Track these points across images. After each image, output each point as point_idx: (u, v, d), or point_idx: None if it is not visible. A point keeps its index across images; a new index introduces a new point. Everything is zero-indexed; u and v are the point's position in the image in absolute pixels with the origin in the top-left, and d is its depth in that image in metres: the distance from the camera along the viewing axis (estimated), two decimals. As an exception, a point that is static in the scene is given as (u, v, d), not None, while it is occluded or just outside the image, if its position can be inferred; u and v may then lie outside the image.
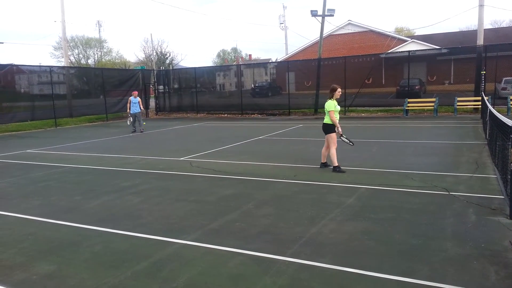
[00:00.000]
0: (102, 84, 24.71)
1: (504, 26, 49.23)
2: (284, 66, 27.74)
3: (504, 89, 20.33)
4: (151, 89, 29.16)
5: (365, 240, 4.49)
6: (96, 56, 64.24)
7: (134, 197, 6.66)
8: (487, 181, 6.76)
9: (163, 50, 64.16)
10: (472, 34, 20.90)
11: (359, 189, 6.57)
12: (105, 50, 65.15)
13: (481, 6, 19.29)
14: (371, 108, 22.09)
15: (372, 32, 33.95)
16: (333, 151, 7.94)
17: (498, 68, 19.15)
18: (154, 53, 60.98)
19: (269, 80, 30.43)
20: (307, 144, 11.96)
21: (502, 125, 6.29)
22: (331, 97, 8.04)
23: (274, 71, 30.62)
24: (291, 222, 5.15)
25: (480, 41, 19.27)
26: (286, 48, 47.77)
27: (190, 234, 4.83)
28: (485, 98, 14.80)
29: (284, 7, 56.32)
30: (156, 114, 27.71)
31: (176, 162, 9.72)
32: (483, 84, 18.56)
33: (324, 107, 8.17)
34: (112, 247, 4.57)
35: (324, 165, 8.25)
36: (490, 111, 9.48)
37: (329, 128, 8.03)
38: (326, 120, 8.07)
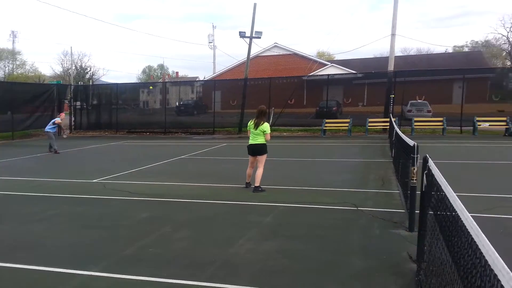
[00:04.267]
0: (10, 99, 22.59)
1: (412, 54, 54.70)
2: (211, 84, 27.88)
3: (409, 111, 22.45)
4: (66, 105, 27.28)
5: (280, 258, 4.58)
6: (7, 68, 58.82)
7: (38, 224, 6.10)
8: (391, 197, 7.34)
9: (83, 64, 60.91)
10: (385, 60, 22.96)
11: (277, 207, 6.73)
12: (18, 63, 60.01)
13: (393, 35, 21.31)
14: (293, 128, 22.97)
15: (296, 55, 35.59)
16: (261, 172, 8.04)
17: (405, 92, 21.15)
18: (73, 67, 57.61)
19: (195, 98, 30.30)
20: (229, 164, 12.02)
21: (405, 145, 6.91)
22: (263, 119, 8.07)
23: (201, 90, 30.61)
24: (209, 244, 5.09)
25: (391, 67, 21.20)
26: (214, 67, 48.08)
27: (98, 264, 4.51)
28: (393, 119, 16.19)
29: (213, 27, 56.64)
30: (71, 132, 25.95)
31: (88, 184, 9.13)
32: (391, 106, 20.32)
33: (250, 127, 8.17)
34: (3, 285, 4.09)
35: (249, 184, 8.27)
36: (396, 131, 10.37)
37: (264, 149, 8.10)
38: (260, 141, 8.06)
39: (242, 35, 23.76)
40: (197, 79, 53.76)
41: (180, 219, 6.19)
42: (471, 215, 5.75)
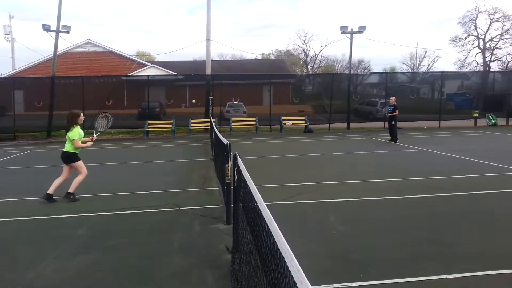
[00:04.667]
0: None
1: (228, 59, 58.60)
2: (10, 83, 23.72)
3: (228, 112, 24.03)
4: None
5: (94, 273, 4.22)
6: None
7: None
8: (212, 194, 7.68)
9: None
10: (203, 63, 23.85)
11: (92, 217, 6.20)
12: None
13: (208, 40, 22.26)
14: (113, 130, 21.65)
15: (112, 53, 33.59)
16: (81, 179, 7.22)
17: (222, 94, 22.47)
18: None
19: (-11, 99, 25.32)
20: (34, 174, 10.49)
21: (221, 144, 7.31)
22: (73, 124, 7.25)
23: (-4, 88, 25.76)
24: (3, 271, 4.30)
25: (208, 70, 22.17)
26: (13, 63, 41.05)
27: None
28: (212, 120, 17.02)
29: (10, 16, 47.03)
30: None
31: None
32: (211, 107, 21.34)
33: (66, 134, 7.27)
34: None
35: (50, 196, 7.25)
36: (215, 131, 10.92)
37: (72, 158, 7.24)
38: (68, 148, 7.21)
39: (46, 28, 21.06)
40: (-9, 76, 44.97)
41: (-35, 246, 5.05)
42: (277, 203, 6.48)
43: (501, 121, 22.86)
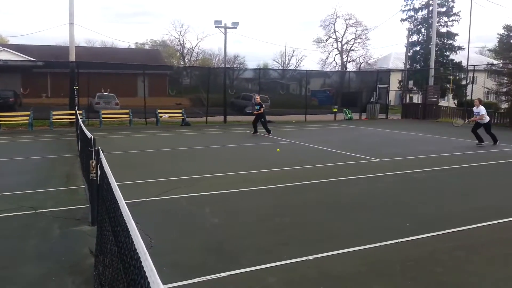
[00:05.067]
0: None
1: (97, 46, 54.13)
2: None
3: (98, 103, 22.27)
4: None
5: None
6: None
7: None
8: (76, 193, 7.02)
9: None
10: (67, 49, 21.50)
11: None
12: None
13: (71, 24, 20.18)
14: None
15: None
16: None
17: (90, 84, 20.69)
18: None
19: None
20: None
21: (86, 138, 6.70)
22: None
23: None
24: None
25: (72, 57, 20.13)
26: None
27: None
28: (78, 112, 15.56)
29: None
30: None
31: None
32: (76, 98, 19.48)
33: None
34: None
35: None
36: (80, 125, 9.99)
37: None
38: None
39: None
40: None
41: None
42: (152, 199, 6.25)
43: (355, 115, 26.04)
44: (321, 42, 50.49)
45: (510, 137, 15.32)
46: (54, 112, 19.02)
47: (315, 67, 55.68)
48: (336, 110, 25.39)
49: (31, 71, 24.18)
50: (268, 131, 16.19)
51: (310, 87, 28.24)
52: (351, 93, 28.40)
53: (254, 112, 16.94)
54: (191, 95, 26.34)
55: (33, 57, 25.30)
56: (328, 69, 47.53)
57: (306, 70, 28.60)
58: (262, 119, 16.44)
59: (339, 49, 50.10)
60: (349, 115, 25.59)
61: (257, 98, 17.17)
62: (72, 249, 4.51)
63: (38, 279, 3.79)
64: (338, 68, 48.55)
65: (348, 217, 5.78)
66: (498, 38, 34.04)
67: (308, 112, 24.99)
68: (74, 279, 3.76)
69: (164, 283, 1.29)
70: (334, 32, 49.45)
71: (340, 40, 49.68)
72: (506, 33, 32.46)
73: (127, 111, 20.76)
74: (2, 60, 21.86)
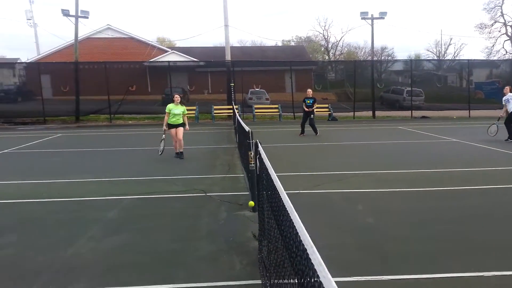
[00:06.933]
0: None
1: (248, 45, 58.19)
2: (35, 67, 24.36)
3: (250, 99, 24.01)
4: None
5: (126, 253, 4.36)
6: None
7: None
8: (237, 180, 7.74)
9: None
10: (223, 50, 23.76)
11: (123, 200, 6.36)
12: None
13: (226, 26, 22.14)
14: (138, 116, 22.03)
15: (133, 39, 33.84)
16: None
17: (244, 81, 22.43)
18: None
19: (18, 83, 26.07)
20: (66, 156, 10.80)
21: (244, 131, 7.34)
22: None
23: (24, 73, 26.48)
24: (41, 248, 4.48)
25: (228, 57, 22.09)
26: (38, 48, 41.86)
27: None
28: (235, 107, 17.06)
29: (30, 1, 47.51)
30: None
31: None
32: (233, 94, 21.33)
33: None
34: None
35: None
36: (237, 118, 10.96)
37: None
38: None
39: (65, 13, 21.43)
40: (18, 61, 46.06)
41: (3, 224, 5.28)
42: (304, 192, 6.47)
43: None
44: (485, 28, 44.14)
45: None
46: (215, 107, 21.25)
47: (479, 56, 48.98)
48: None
49: (194, 71, 27.49)
50: (316, 131, 14.20)
51: (474, 78, 24.98)
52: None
53: (308, 108, 14.27)
54: (337, 90, 26.15)
55: (196, 58, 28.59)
56: (495, 58, 41.28)
57: (468, 60, 25.36)
58: (312, 116, 14.21)
59: (509, 34, 42.95)
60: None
61: (309, 91, 14.75)
62: (237, 231, 4.99)
63: (210, 254, 4.32)
64: (509, 56, 41.70)
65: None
66: None
67: (472, 107, 22.22)
68: (241, 259, 4.17)
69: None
70: (502, 15, 42.61)
71: (509, 24, 42.56)
72: None
73: (276, 106, 21.82)
74: (172, 61, 25.25)
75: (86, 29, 30.37)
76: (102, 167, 9.06)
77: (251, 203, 5.42)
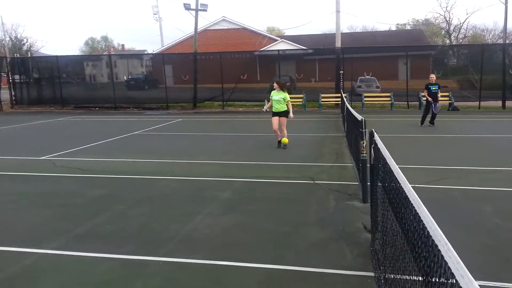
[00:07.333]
0: None
1: (358, 31, 55.95)
2: (160, 58, 26.95)
3: (359, 87, 23.14)
4: (4, 78, 25.30)
5: (239, 232, 4.63)
6: None
7: (-20, 205, 5.70)
8: (345, 170, 7.59)
9: (18, 35, 56.42)
10: (332, 37, 23.20)
11: (235, 182, 6.74)
12: None
13: (337, 12, 21.53)
14: (248, 103, 22.92)
15: (245, 29, 35.05)
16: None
17: (353, 68, 21.67)
18: (7, 38, 53.09)
19: (145, 73, 29.20)
20: (185, 139, 11.82)
21: (355, 120, 7.12)
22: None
23: (150, 63, 29.53)
24: (166, 220, 5.02)
25: (338, 43, 21.50)
26: (162, 40, 46.14)
27: (52, 242, 4.34)
28: (344, 95, 16.61)
29: None
30: (12, 107, 24.21)
31: (36, 162, 8.63)
32: (341, 82, 20.79)
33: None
34: None
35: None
36: (347, 107, 10.67)
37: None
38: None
39: (187, 7, 23.05)
40: (145, 52, 51.50)
41: (135, 196, 6.03)
42: (420, 186, 6.07)
43: None
44: None
45: None
46: (322, 95, 21.01)
47: None
48: None
49: (302, 59, 27.43)
50: (422, 122, 13.08)
51: None
52: None
53: (429, 97, 12.80)
54: (459, 77, 23.67)
55: (304, 46, 28.46)
56: None
57: None
58: (438, 104, 12.90)
59: None
60: None
61: (433, 76, 13.29)
62: (347, 221, 4.92)
63: (319, 241, 4.33)
64: None
65: None
66: None
67: None
68: (352, 249, 4.11)
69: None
70: None
71: None
72: None
73: (388, 94, 20.68)
74: (281, 50, 25.52)
75: (204, 21, 32.30)
76: (215, 150, 9.68)
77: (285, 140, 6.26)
